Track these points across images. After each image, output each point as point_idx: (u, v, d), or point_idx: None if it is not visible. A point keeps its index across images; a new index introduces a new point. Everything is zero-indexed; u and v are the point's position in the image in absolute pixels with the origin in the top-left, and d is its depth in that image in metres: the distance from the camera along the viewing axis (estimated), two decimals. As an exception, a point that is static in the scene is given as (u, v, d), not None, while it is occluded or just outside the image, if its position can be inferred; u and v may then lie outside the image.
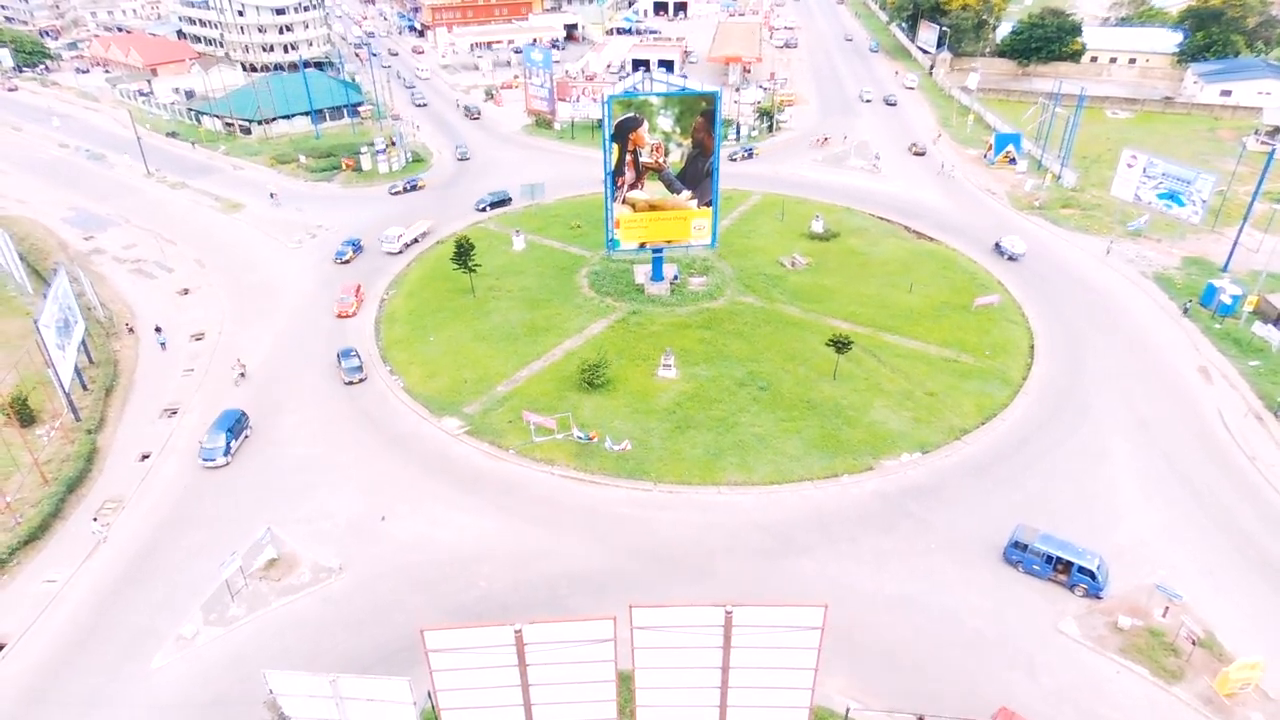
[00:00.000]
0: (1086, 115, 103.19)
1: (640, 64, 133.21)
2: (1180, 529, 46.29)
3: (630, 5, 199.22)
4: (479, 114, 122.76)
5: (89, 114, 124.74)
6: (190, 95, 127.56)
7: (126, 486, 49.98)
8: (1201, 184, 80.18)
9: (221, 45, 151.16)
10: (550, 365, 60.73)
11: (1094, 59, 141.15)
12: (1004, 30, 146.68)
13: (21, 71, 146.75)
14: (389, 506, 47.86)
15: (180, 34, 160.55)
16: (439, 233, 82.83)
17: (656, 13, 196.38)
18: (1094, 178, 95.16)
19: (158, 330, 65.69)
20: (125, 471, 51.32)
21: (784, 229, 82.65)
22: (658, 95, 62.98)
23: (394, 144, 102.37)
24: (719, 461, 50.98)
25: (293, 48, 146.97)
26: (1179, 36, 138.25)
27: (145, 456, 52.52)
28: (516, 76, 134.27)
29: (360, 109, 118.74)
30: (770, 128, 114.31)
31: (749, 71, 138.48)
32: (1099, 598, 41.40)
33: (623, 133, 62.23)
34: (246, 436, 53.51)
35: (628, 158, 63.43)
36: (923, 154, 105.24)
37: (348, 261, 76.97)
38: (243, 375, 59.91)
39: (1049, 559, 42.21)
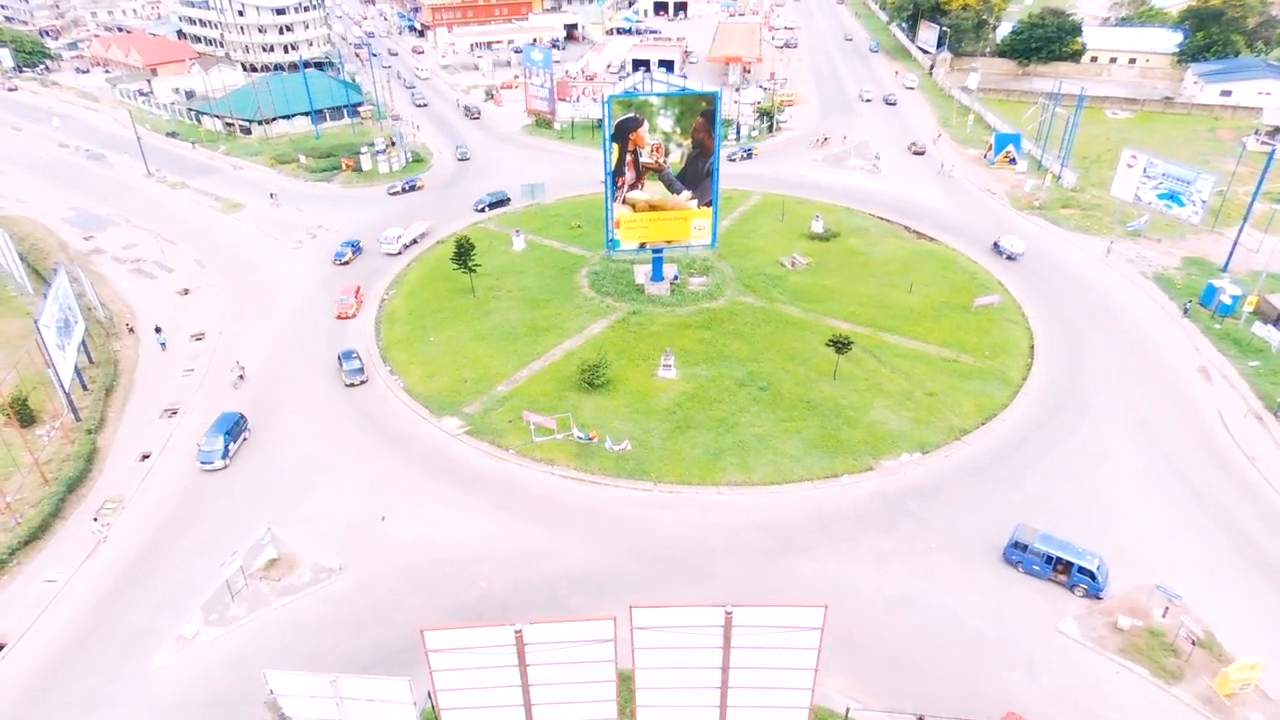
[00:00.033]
0: (1086, 115, 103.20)
1: (640, 64, 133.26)
2: (1180, 529, 46.31)
3: (630, 5, 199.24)
4: (479, 114, 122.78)
5: (89, 114, 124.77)
6: (190, 95, 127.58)
7: (127, 486, 50.00)
8: (1201, 184, 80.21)
9: (221, 45, 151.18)
10: (550, 365, 60.74)
11: (1094, 59, 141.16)
12: (1004, 30, 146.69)
13: (21, 71, 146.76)
14: (389, 506, 47.87)
15: (180, 34, 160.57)
16: (438, 233, 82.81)
17: (656, 13, 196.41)
18: (1094, 178, 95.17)
19: (158, 330, 65.71)
20: (125, 471, 51.34)
21: (784, 229, 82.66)
22: (658, 95, 62.99)
23: (394, 144, 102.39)
24: (719, 461, 50.99)
25: (293, 48, 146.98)
26: (1179, 36, 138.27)
27: (145, 456, 52.55)
28: (516, 76, 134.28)
29: (360, 109, 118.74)
30: (770, 128, 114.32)
31: (749, 71, 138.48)
32: (1099, 598, 41.41)
33: (623, 133, 62.25)
34: (245, 439, 53.42)
35: (628, 158, 63.44)
36: (922, 153, 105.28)
37: (347, 263, 76.95)
38: (241, 377, 59.90)
39: (1049, 559, 42.22)
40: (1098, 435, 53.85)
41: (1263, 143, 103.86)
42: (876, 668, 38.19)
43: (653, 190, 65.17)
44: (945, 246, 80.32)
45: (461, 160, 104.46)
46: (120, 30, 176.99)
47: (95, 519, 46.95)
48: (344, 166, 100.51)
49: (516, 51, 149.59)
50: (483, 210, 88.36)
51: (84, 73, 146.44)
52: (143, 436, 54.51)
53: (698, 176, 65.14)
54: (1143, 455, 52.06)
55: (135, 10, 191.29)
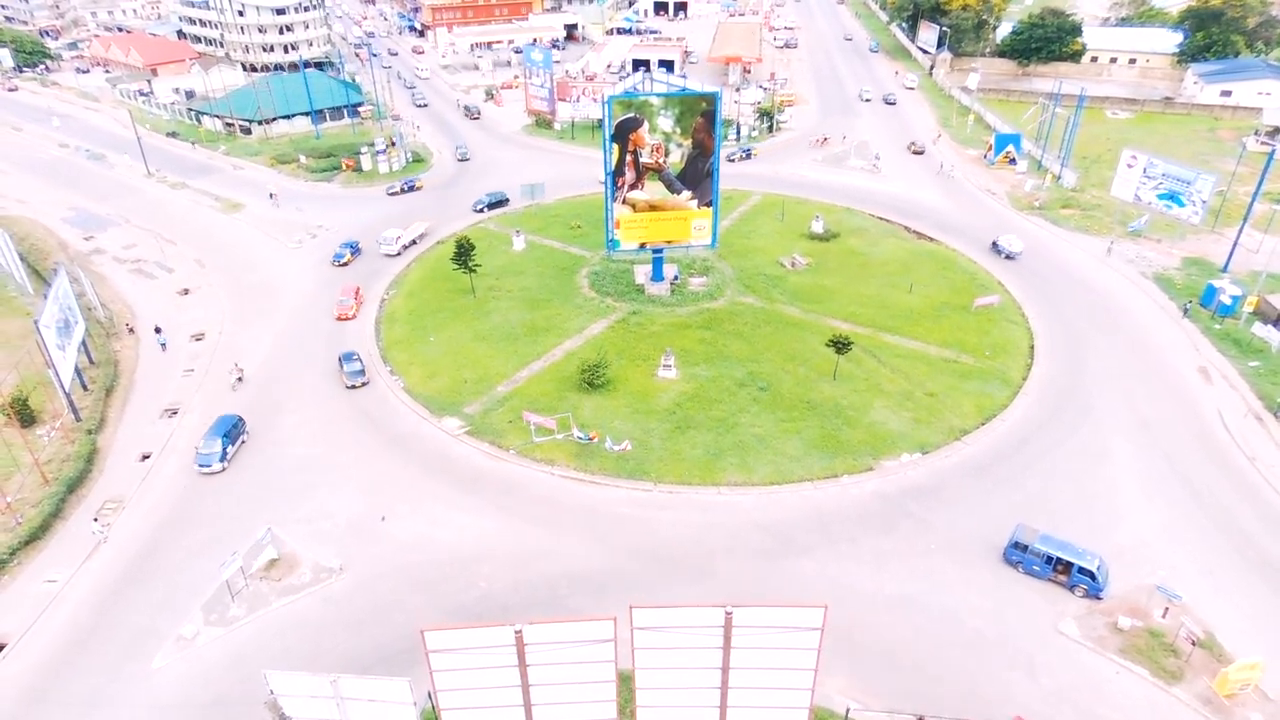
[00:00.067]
0: (1086, 115, 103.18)
1: (640, 64, 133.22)
2: (1180, 529, 46.32)
3: (630, 5, 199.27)
4: (479, 114, 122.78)
5: (89, 114, 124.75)
6: (190, 95, 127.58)
7: (127, 487, 50.01)
8: (1201, 184, 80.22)
9: (221, 45, 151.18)
10: (550, 365, 60.75)
11: (1094, 59, 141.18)
12: (1004, 30, 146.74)
13: (22, 71, 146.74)
14: (389, 507, 47.88)
15: (180, 34, 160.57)
16: (438, 233, 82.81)
17: (656, 13, 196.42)
18: (1094, 178, 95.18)
19: (158, 330, 65.72)
20: (125, 472, 51.35)
21: (784, 229, 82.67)
22: (658, 95, 62.98)
23: (394, 144, 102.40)
24: (719, 462, 51.00)
25: (293, 48, 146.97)
26: (1179, 37, 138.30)
27: (145, 457, 52.55)
28: (516, 76, 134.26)
29: (360, 109, 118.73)
30: (770, 128, 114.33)
31: (749, 72, 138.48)
32: (1099, 598, 41.42)
33: (623, 133, 62.25)
34: (243, 442, 53.36)
35: (628, 158, 63.45)
36: (922, 153, 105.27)
37: (346, 264, 76.94)
38: (240, 379, 59.88)
39: (1049, 559, 42.22)
40: (1097, 435, 53.86)
41: (1263, 143, 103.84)
42: (876, 668, 38.20)
43: (653, 190, 65.19)
44: (945, 247, 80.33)
45: (461, 160, 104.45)
46: (120, 30, 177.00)
47: (95, 519, 46.96)
48: (344, 166, 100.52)
49: (516, 51, 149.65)
50: (482, 210, 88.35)
51: (84, 73, 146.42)
52: (143, 437, 54.52)
53: (698, 176, 65.16)
54: (1143, 456, 52.07)
55: (135, 10, 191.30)
